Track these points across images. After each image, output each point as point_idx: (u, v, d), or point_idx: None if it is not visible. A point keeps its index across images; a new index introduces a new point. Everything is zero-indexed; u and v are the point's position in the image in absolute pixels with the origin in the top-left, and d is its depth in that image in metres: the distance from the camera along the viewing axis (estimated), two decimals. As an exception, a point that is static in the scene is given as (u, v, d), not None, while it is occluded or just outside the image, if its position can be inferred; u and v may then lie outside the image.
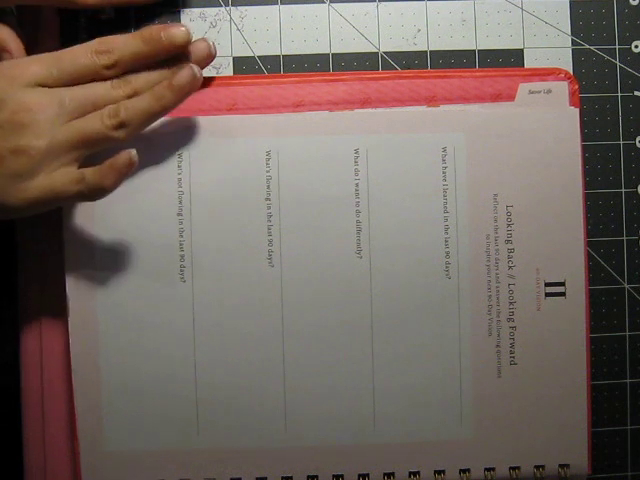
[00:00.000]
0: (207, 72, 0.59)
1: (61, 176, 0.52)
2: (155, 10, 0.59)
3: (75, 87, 0.53)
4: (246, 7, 0.60)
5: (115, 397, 0.57)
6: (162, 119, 0.55)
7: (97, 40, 0.53)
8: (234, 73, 0.59)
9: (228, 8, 0.59)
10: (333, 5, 0.60)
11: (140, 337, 0.56)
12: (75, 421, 0.57)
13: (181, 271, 0.56)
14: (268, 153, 0.56)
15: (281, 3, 0.60)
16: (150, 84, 0.53)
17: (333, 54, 0.60)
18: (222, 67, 0.59)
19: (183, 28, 0.53)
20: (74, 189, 0.52)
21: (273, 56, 0.60)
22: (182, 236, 0.56)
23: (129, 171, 0.52)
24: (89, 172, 0.52)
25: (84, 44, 0.53)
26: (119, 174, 0.51)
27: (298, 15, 0.60)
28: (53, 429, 0.58)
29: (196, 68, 0.53)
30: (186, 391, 0.57)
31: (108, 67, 0.53)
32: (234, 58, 0.59)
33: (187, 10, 0.59)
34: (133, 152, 0.51)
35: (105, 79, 0.53)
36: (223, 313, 0.57)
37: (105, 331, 0.56)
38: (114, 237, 0.56)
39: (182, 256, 0.56)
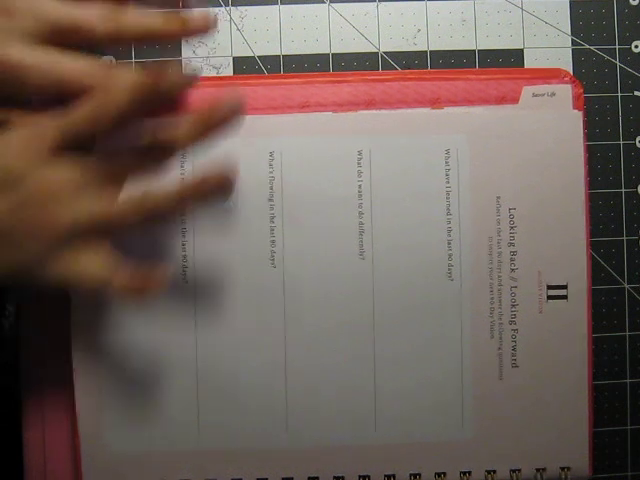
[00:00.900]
0: (206, 72, 0.59)
1: (84, 264, 0.50)
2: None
3: (95, 157, 0.51)
4: (246, 7, 0.59)
5: (116, 397, 0.57)
6: (163, 119, 0.55)
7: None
8: (234, 73, 0.59)
9: (228, 8, 0.59)
10: (333, 5, 0.60)
11: (141, 337, 0.56)
12: (76, 421, 0.57)
13: (183, 272, 0.56)
14: (271, 154, 0.56)
15: (281, 3, 0.60)
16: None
17: (333, 54, 0.60)
18: (222, 67, 0.59)
19: None
20: (96, 288, 0.51)
21: (273, 56, 0.59)
22: (184, 236, 0.56)
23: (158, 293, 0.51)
24: (118, 280, 0.50)
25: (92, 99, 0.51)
26: (145, 296, 0.50)
27: (298, 15, 0.60)
28: (54, 429, 0.58)
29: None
30: (187, 391, 0.57)
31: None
32: (234, 58, 0.59)
33: (187, 10, 0.59)
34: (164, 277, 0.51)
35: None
36: (225, 313, 0.57)
37: (106, 330, 0.56)
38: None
39: (184, 256, 0.56)
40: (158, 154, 0.52)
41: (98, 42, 0.52)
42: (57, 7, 0.51)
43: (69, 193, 0.50)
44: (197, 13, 0.53)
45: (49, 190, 0.49)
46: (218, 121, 0.51)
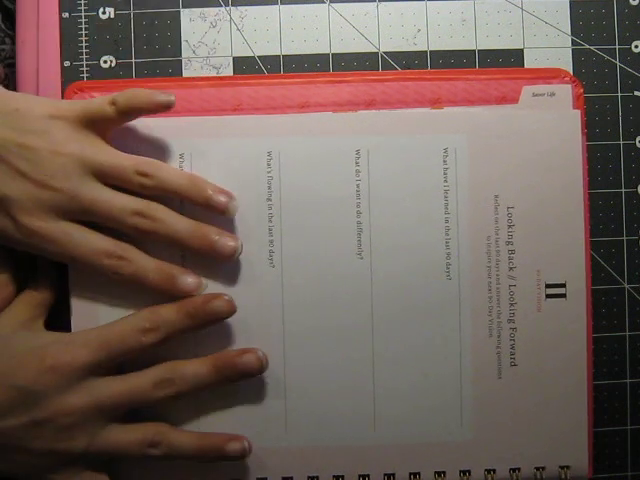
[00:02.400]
0: (206, 72, 0.59)
1: None
2: (155, 11, 0.59)
3: (117, 383, 0.53)
4: (246, 7, 0.59)
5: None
6: (163, 118, 0.55)
7: (144, 317, 0.53)
8: (234, 73, 0.59)
9: (228, 8, 0.59)
10: (333, 5, 0.60)
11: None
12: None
13: (182, 271, 0.56)
14: (269, 154, 0.56)
15: (281, 3, 0.60)
16: (195, 388, 0.54)
17: (333, 54, 0.60)
18: (222, 67, 0.59)
19: (227, 299, 0.54)
20: None
21: (273, 56, 0.59)
22: (183, 237, 0.56)
23: None
24: None
25: (131, 320, 0.53)
26: None
27: (298, 15, 0.60)
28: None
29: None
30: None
31: (154, 345, 0.53)
32: (234, 58, 0.59)
33: (187, 10, 0.59)
34: None
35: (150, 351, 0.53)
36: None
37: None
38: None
39: (183, 256, 0.56)
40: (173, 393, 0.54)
41: (125, 231, 0.53)
42: (94, 191, 0.52)
43: (86, 419, 0.51)
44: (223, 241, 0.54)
45: (67, 416, 0.51)
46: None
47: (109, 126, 0.54)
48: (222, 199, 0.53)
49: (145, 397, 0.53)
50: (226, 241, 0.54)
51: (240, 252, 0.54)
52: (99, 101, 0.53)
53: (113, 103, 0.52)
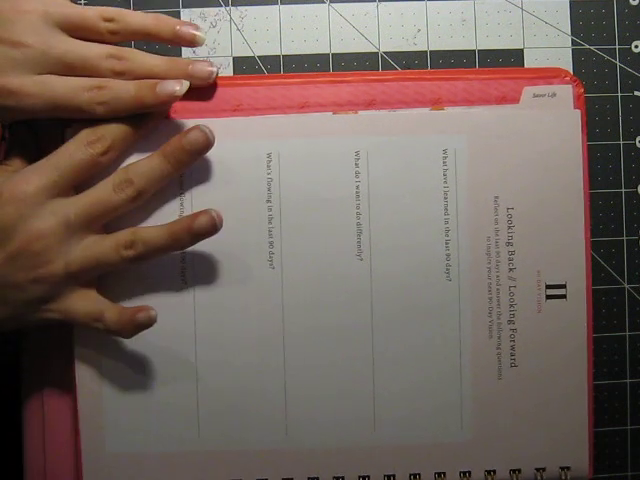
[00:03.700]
0: (207, 72, 0.59)
1: (81, 302, 0.54)
2: (155, 11, 0.59)
3: (79, 198, 0.53)
4: (246, 7, 0.60)
5: (117, 399, 0.57)
6: (164, 121, 0.55)
7: (85, 131, 0.53)
8: (234, 73, 0.59)
9: (228, 8, 0.59)
10: (333, 5, 0.60)
11: (142, 338, 0.56)
12: (77, 422, 0.57)
13: (182, 273, 0.56)
14: (269, 155, 0.56)
15: (281, 3, 0.60)
16: (153, 181, 0.53)
17: (333, 54, 0.60)
18: (222, 67, 0.59)
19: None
20: (92, 324, 0.53)
21: (273, 56, 0.60)
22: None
23: (147, 328, 0.53)
24: (109, 315, 0.53)
25: (75, 139, 0.53)
26: (136, 329, 0.53)
27: (298, 15, 0.60)
28: (54, 430, 0.58)
29: (214, 213, 0.53)
30: (187, 393, 0.57)
31: (104, 154, 0.53)
32: (234, 58, 0.59)
33: (187, 10, 0.59)
34: (153, 313, 0.53)
35: (103, 166, 0.53)
36: (224, 314, 0.57)
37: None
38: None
39: (183, 258, 0.56)
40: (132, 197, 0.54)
41: (102, 76, 0.53)
42: (65, 43, 0.53)
43: (58, 240, 0.52)
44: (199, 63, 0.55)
45: (38, 241, 0.51)
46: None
47: None
48: (189, 29, 0.54)
49: (109, 204, 0.53)
50: (203, 65, 0.55)
51: (217, 74, 0.55)
52: None
53: None
